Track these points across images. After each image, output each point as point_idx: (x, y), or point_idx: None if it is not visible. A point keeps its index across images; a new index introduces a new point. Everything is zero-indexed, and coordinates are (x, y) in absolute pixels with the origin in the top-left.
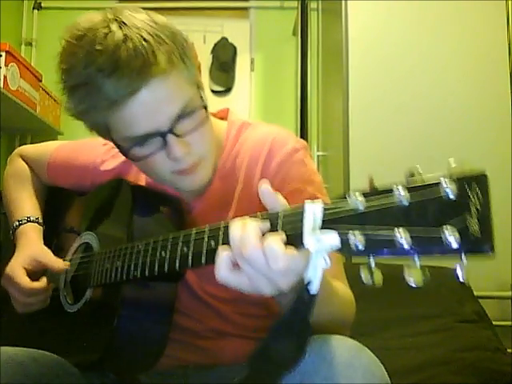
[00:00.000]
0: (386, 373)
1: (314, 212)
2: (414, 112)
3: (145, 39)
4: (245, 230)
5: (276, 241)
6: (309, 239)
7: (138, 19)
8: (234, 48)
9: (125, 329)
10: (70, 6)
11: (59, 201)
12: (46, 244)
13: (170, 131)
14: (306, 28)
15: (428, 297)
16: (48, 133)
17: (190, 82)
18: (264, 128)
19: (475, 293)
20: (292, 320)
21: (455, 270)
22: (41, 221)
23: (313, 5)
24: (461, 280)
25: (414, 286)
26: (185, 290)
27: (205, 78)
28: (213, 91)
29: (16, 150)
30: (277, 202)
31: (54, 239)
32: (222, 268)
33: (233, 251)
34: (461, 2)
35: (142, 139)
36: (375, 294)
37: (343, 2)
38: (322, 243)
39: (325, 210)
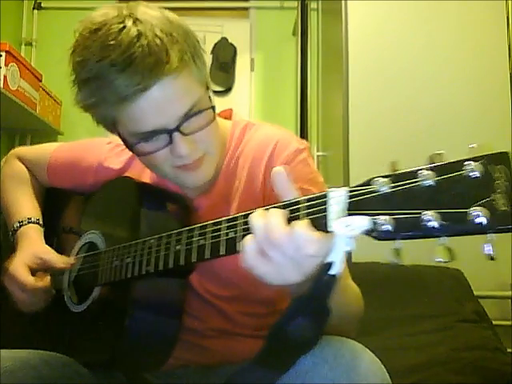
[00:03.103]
0: (387, 374)
1: (339, 196)
2: (414, 112)
3: (159, 37)
4: (269, 218)
5: (303, 226)
6: (337, 223)
7: (153, 16)
8: (234, 48)
9: (136, 328)
10: (70, 5)
11: (57, 201)
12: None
13: (177, 129)
14: (306, 28)
15: (428, 296)
16: (48, 133)
17: (199, 82)
18: (268, 129)
19: (475, 292)
20: (311, 301)
21: (484, 249)
22: (41, 222)
23: (313, 5)
24: (492, 256)
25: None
26: (187, 288)
27: None
28: (213, 91)
29: (12, 151)
30: (290, 187)
31: (53, 240)
32: (251, 254)
33: (258, 240)
34: (460, 1)
35: (149, 135)
36: (375, 294)
37: (343, 2)
38: (351, 227)
39: (350, 194)
